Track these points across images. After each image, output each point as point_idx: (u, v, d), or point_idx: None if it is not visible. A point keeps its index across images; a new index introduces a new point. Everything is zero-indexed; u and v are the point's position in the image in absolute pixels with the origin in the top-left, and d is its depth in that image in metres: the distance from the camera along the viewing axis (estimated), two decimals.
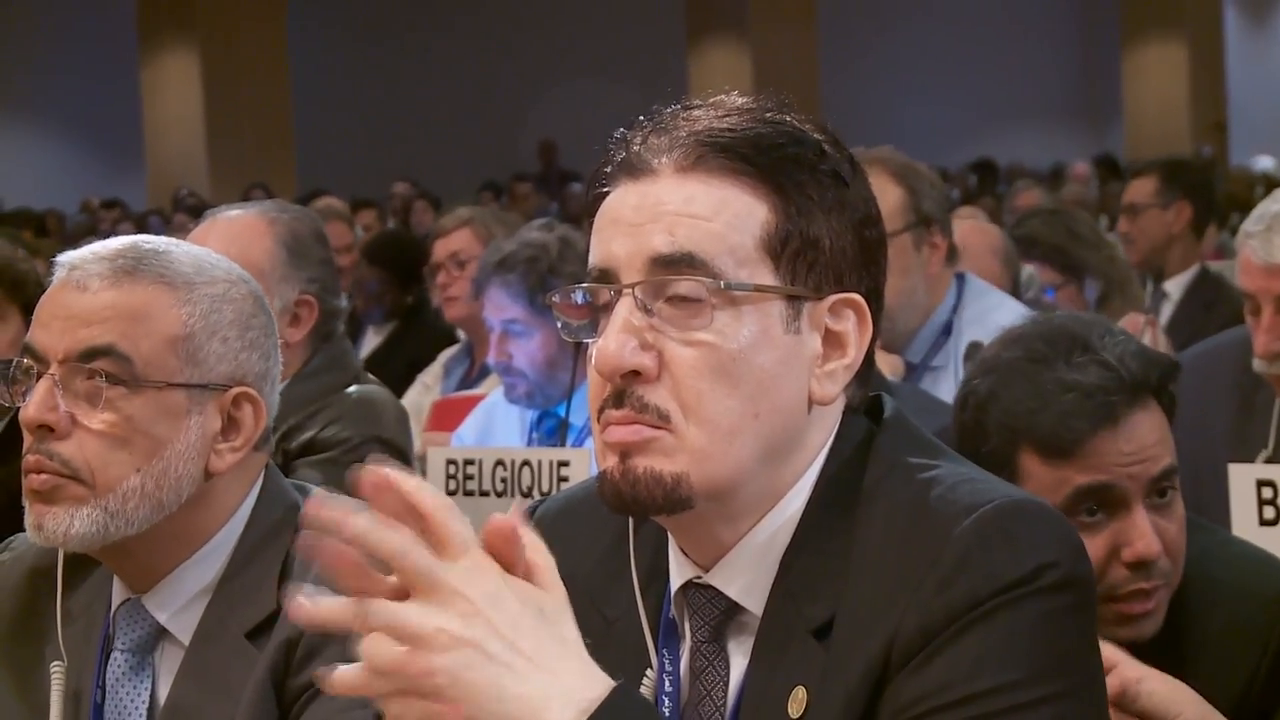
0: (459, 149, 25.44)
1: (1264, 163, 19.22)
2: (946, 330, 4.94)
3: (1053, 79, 28.37)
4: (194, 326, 2.57)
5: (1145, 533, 2.73)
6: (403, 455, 4.33)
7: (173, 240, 2.68)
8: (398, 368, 7.38)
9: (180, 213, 16.13)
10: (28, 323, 4.26)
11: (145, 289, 2.56)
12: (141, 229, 14.49)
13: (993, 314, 4.94)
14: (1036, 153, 23.67)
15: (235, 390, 2.60)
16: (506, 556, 1.69)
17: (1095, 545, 2.68)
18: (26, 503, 2.56)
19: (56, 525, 2.52)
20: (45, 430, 2.52)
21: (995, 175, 19.79)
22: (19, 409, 2.57)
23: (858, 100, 24.27)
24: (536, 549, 1.72)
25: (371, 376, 4.51)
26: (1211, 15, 25.71)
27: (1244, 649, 2.74)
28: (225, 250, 3.99)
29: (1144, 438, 2.74)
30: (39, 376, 2.55)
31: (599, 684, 1.69)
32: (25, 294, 4.35)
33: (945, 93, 27.29)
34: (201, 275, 2.61)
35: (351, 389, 4.31)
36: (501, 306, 5.17)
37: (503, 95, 26.49)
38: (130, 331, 2.54)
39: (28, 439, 2.55)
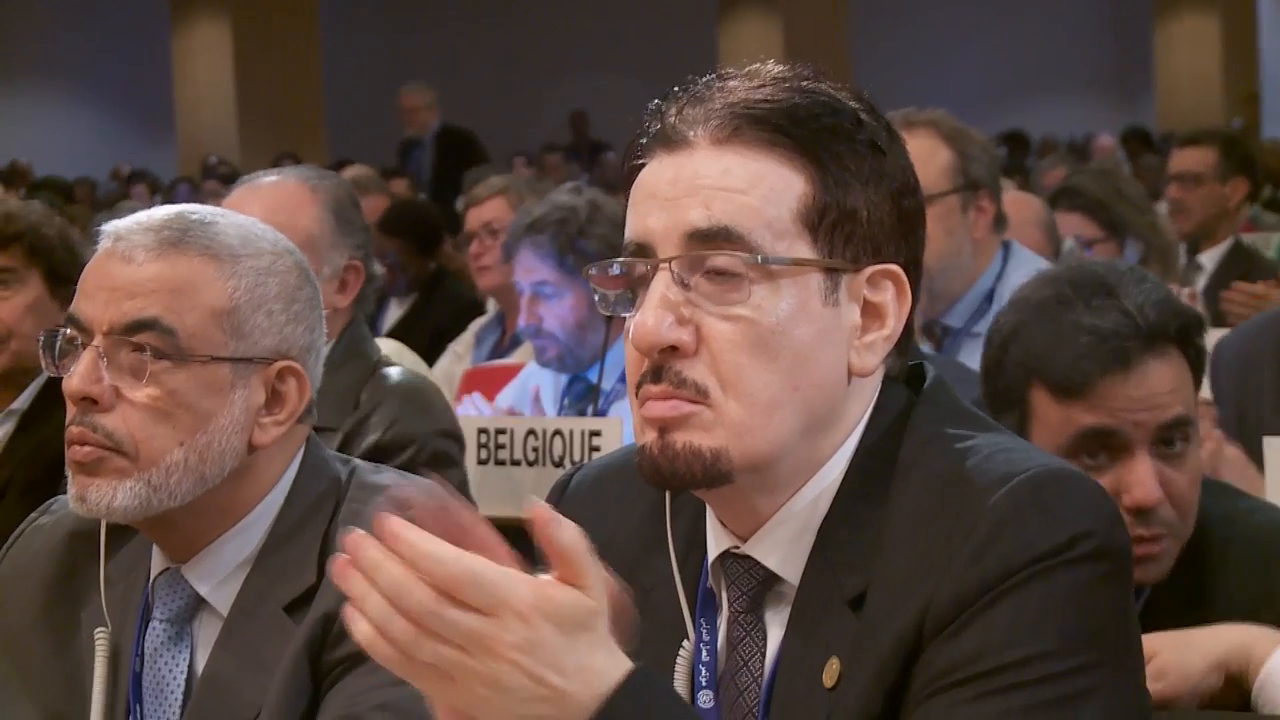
0: (488, 119, 25.43)
1: None
2: (989, 297, 4.94)
3: (1084, 50, 28.23)
4: (239, 300, 2.56)
5: (1145, 480, 2.77)
6: (460, 442, 4.30)
7: (219, 210, 2.67)
8: (421, 338, 7.37)
9: (212, 180, 16.14)
10: (50, 288, 4.31)
11: (190, 261, 2.55)
12: (168, 200, 14.45)
13: None
14: (1068, 124, 23.57)
15: (280, 364, 2.59)
16: (544, 542, 1.72)
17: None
18: (69, 473, 2.56)
19: (99, 498, 2.51)
20: (89, 402, 2.52)
21: (1026, 147, 19.71)
22: (62, 379, 2.57)
23: (888, 71, 24.18)
24: (574, 543, 1.73)
25: (386, 355, 4.47)
26: None
27: (1262, 609, 2.77)
28: (273, 218, 3.98)
29: (1155, 385, 2.78)
30: (83, 347, 2.55)
31: (595, 700, 1.73)
32: (50, 259, 4.35)
33: (976, 63, 27.18)
34: (247, 247, 2.60)
35: (391, 378, 4.24)
36: (531, 268, 5.17)
37: (533, 65, 26.46)
38: (175, 304, 2.53)
39: (71, 410, 2.54)
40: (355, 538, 1.71)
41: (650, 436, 1.99)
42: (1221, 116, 22.10)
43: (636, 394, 2.00)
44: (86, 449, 2.52)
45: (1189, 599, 2.82)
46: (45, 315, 4.29)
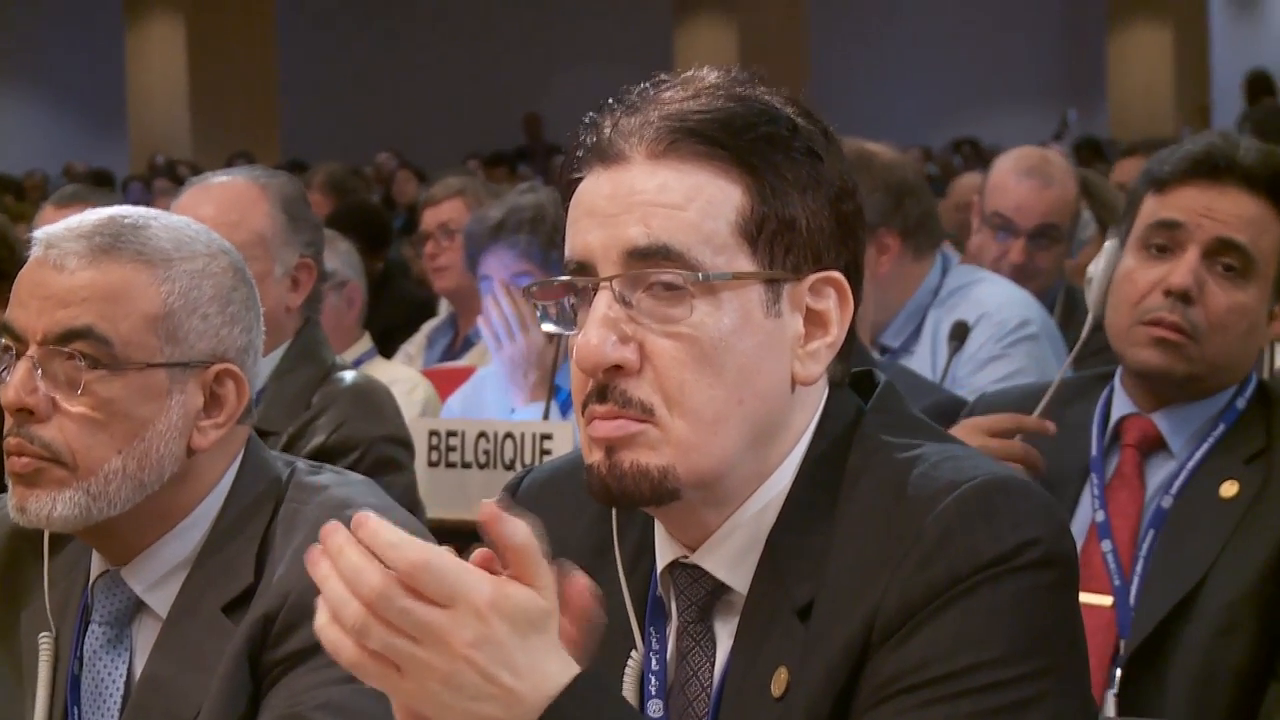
0: (445, 120, 25.41)
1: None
2: (923, 315, 4.94)
3: (1039, 60, 28.35)
4: (173, 304, 2.54)
5: (1183, 269, 3.21)
6: (409, 448, 4.27)
7: (151, 211, 2.64)
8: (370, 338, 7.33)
9: (163, 179, 16.06)
10: None
11: (123, 268, 2.53)
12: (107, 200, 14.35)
13: (972, 289, 4.95)
14: (1020, 133, 23.64)
15: (217, 367, 2.57)
16: (496, 541, 1.72)
17: (1150, 275, 3.24)
18: (9, 483, 2.54)
19: (39, 508, 2.50)
20: (25, 413, 2.50)
21: (979, 153, 19.78)
22: None
23: (845, 78, 24.26)
24: (526, 541, 1.73)
25: (341, 359, 4.44)
26: None
27: None
28: (224, 218, 3.95)
29: (1229, 206, 3.23)
30: (18, 357, 2.52)
31: (543, 702, 1.73)
32: None
33: (932, 73, 27.28)
34: (180, 250, 2.57)
35: (344, 380, 4.20)
36: (507, 265, 5.11)
37: (489, 67, 26.44)
38: (109, 312, 2.51)
39: (8, 421, 2.52)
40: (329, 527, 1.71)
41: (597, 456, 1.98)
42: (1173, 127, 22.21)
43: (583, 413, 1.99)
44: (25, 460, 2.50)
45: (1266, 449, 3.21)
46: None
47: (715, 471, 1.98)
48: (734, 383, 1.97)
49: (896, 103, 23.52)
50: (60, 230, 2.56)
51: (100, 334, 2.50)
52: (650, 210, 1.97)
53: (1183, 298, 3.20)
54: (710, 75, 2.05)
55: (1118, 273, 3.31)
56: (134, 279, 2.53)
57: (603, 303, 1.97)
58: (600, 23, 26.46)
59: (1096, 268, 3.39)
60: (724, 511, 2.02)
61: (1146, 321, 3.23)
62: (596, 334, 1.95)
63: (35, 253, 2.56)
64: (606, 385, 1.96)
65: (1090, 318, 3.44)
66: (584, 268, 2.00)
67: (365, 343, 5.86)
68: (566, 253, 2.03)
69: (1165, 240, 3.24)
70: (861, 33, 27.42)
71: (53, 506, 2.50)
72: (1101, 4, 25.85)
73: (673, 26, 23.82)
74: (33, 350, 2.51)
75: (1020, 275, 5.33)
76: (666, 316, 1.96)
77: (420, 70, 26.51)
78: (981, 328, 4.87)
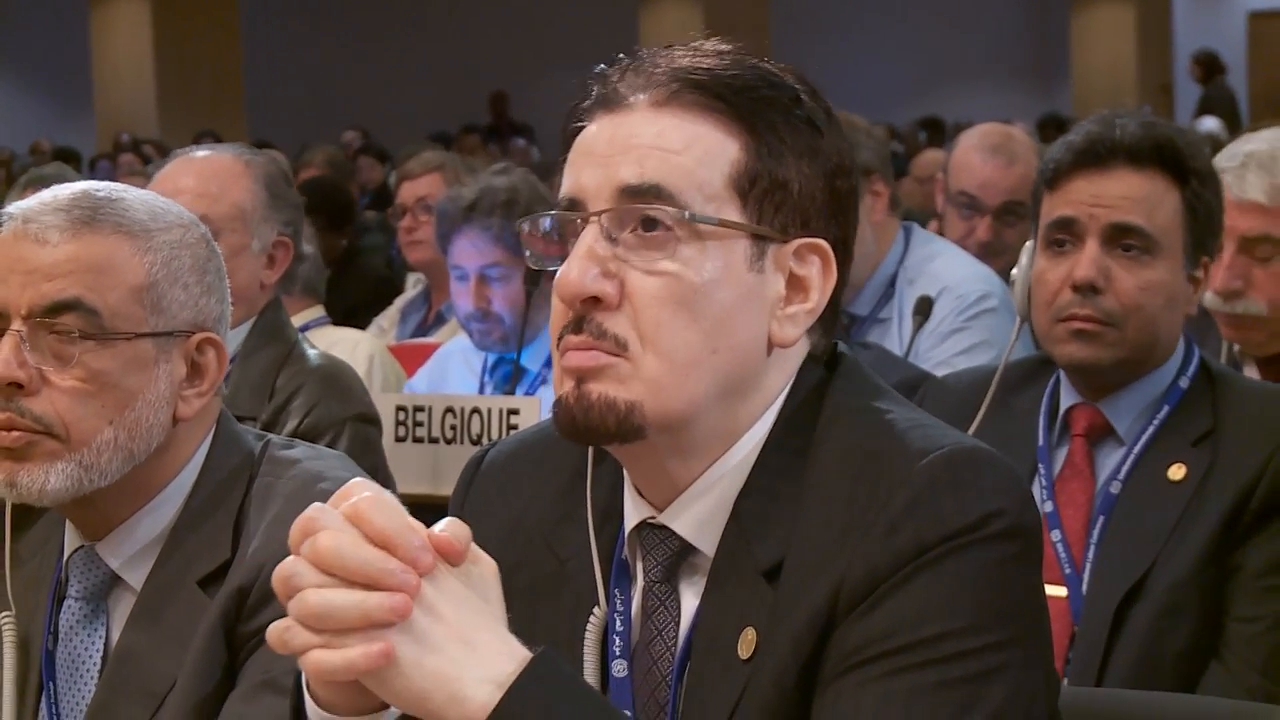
0: (411, 100, 25.33)
1: (1209, 124, 19.24)
2: (892, 282, 5.00)
3: (1002, 38, 28.34)
4: (157, 275, 2.56)
5: (1085, 261, 3.25)
6: (378, 425, 4.27)
7: (120, 185, 2.66)
8: (334, 315, 7.32)
9: (128, 154, 16.00)
10: None
11: (106, 239, 2.54)
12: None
13: (932, 263, 5.01)
14: (985, 111, 23.63)
15: (199, 336, 2.60)
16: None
17: (1058, 272, 3.29)
18: None
19: (31, 482, 2.51)
20: (14, 387, 2.50)
21: (942, 132, 19.79)
22: None
23: (807, 57, 24.22)
24: (457, 527, 1.79)
25: (304, 339, 4.44)
26: None
27: (1260, 444, 3.19)
28: (205, 188, 3.97)
29: (1117, 190, 3.25)
30: (1, 332, 2.53)
31: (516, 657, 1.75)
32: None
33: (895, 50, 27.27)
34: (157, 221, 2.59)
35: (309, 361, 4.20)
36: (481, 251, 5.12)
37: (455, 47, 26.37)
38: (96, 284, 2.52)
39: None
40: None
41: (568, 386, 2.00)
42: (1135, 106, 22.18)
43: (558, 344, 2.01)
44: (15, 434, 2.50)
45: (1213, 431, 3.23)
46: None
47: (682, 415, 1.99)
48: (710, 330, 1.99)
49: (860, 81, 23.50)
50: (35, 205, 2.57)
51: (89, 305, 2.52)
52: (646, 152, 2.00)
53: (1090, 289, 3.24)
54: (721, 44, 2.09)
55: (1033, 274, 3.35)
56: (117, 250, 2.55)
57: (589, 236, 1.99)
58: (566, 4, 26.39)
59: (1019, 269, 3.42)
60: (691, 467, 2.04)
61: (1063, 319, 3.27)
62: (578, 266, 1.98)
63: (10, 226, 2.57)
64: (584, 317, 1.98)
65: (1018, 320, 3.48)
66: (574, 204, 2.03)
67: (316, 310, 5.86)
68: (560, 191, 2.05)
69: (1064, 236, 3.29)
70: (824, 12, 27.39)
71: (45, 480, 2.51)
72: None
73: (638, 6, 23.78)
74: (18, 324, 2.52)
75: (987, 252, 5.38)
76: (651, 255, 1.98)
77: (386, 50, 26.42)
78: (943, 301, 4.92)
